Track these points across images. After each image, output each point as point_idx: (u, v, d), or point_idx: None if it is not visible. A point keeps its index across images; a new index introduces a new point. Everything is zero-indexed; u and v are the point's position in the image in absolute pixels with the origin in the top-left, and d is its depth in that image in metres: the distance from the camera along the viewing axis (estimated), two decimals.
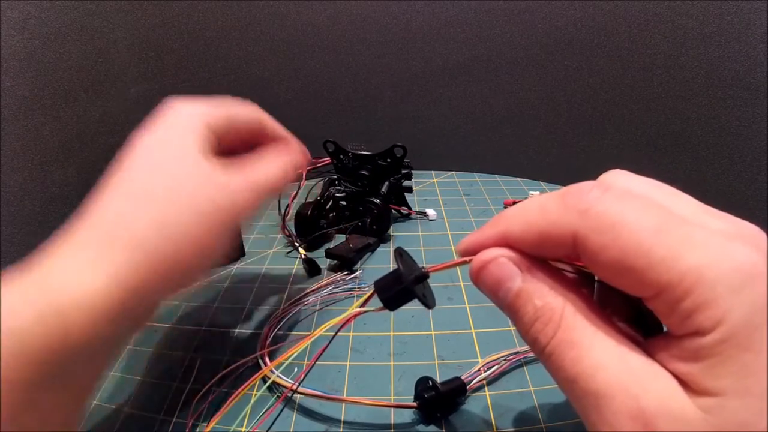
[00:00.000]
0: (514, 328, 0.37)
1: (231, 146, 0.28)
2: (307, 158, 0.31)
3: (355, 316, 0.22)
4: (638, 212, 0.15)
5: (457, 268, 0.19)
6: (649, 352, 0.15)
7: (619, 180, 0.18)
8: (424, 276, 0.20)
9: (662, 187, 0.17)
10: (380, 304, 0.21)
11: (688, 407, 0.14)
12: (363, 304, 0.21)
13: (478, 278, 0.18)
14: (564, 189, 0.16)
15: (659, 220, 0.14)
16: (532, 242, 0.17)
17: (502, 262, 0.17)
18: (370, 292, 0.21)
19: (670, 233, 0.14)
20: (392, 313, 0.38)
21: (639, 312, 0.18)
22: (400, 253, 0.20)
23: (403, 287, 0.19)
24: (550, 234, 0.16)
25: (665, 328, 0.16)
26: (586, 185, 0.16)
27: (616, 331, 0.16)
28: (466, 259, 0.19)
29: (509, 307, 0.17)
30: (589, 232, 0.15)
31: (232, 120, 0.28)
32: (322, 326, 0.26)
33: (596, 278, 0.19)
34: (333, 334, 0.24)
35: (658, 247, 0.14)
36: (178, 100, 0.26)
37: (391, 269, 0.20)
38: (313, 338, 0.28)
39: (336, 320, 0.23)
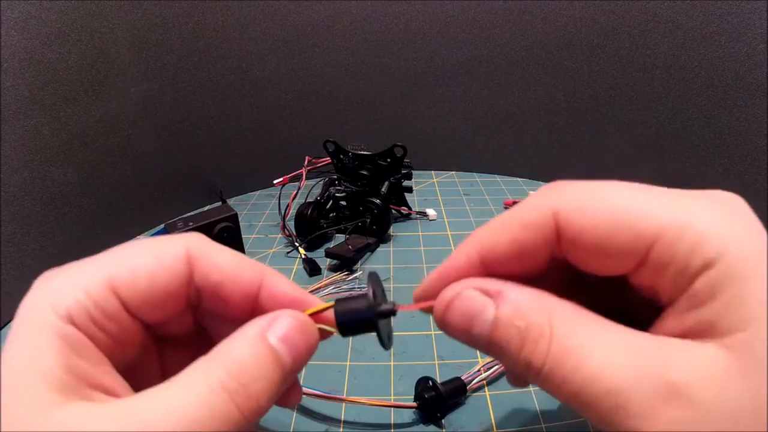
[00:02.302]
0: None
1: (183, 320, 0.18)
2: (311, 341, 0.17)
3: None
4: (613, 183, 0.15)
5: None
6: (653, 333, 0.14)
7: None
8: (391, 312, 0.17)
9: None
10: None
11: (715, 358, 0.13)
12: (316, 313, 0.18)
13: (445, 321, 0.16)
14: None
15: (633, 184, 0.15)
16: (511, 242, 0.16)
17: (467, 294, 0.16)
18: (329, 305, 0.18)
19: (650, 190, 0.15)
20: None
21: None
22: (375, 280, 0.18)
23: (367, 318, 0.17)
24: (531, 220, 0.15)
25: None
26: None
27: (611, 323, 0.15)
28: (433, 302, 0.17)
29: (489, 342, 0.15)
30: (570, 203, 0.15)
31: (134, 289, 0.15)
32: None
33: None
34: None
35: (642, 200, 0.14)
36: (44, 277, 0.15)
37: (364, 291, 0.18)
38: None
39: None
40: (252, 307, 0.17)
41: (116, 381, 0.15)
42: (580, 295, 0.18)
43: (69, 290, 0.15)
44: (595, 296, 0.18)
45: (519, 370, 0.15)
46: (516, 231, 0.16)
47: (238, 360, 0.15)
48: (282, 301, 0.17)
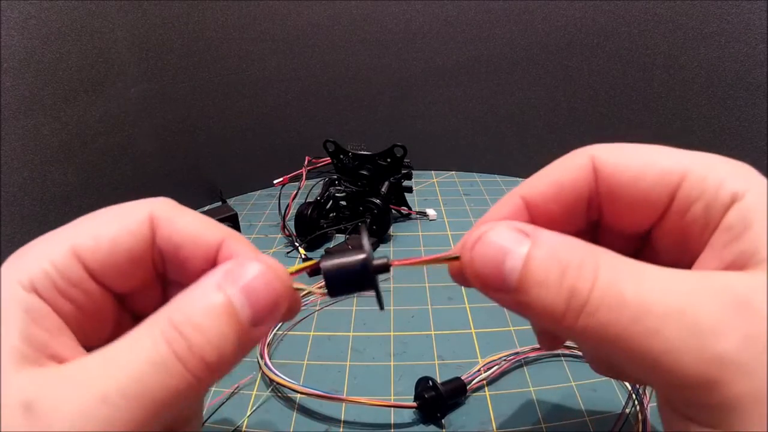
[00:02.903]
0: (515, 328, 0.37)
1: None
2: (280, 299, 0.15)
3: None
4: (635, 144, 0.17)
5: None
6: None
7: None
8: (385, 267, 0.16)
9: None
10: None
11: (765, 281, 0.12)
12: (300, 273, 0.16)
13: (472, 259, 0.14)
14: None
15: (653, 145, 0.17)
16: (553, 182, 0.17)
17: (500, 229, 0.14)
18: (312, 262, 0.16)
19: (671, 148, 0.17)
20: (392, 313, 0.38)
21: None
22: (366, 232, 0.17)
23: (366, 274, 0.15)
24: (572, 162, 0.17)
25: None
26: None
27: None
28: (450, 254, 0.15)
29: (522, 279, 0.14)
30: (608, 149, 0.17)
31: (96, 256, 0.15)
32: None
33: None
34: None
35: (668, 150, 0.16)
36: (14, 255, 0.15)
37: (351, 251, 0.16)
38: None
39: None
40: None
41: (76, 352, 0.15)
42: None
43: (34, 261, 0.15)
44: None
45: (557, 310, 0.13)
46: (557, 172, 0.17)
47: (186, 310, 0.14)
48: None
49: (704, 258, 0.15)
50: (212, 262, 0.17)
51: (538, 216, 0.18)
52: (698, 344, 0.12)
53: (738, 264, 0.13)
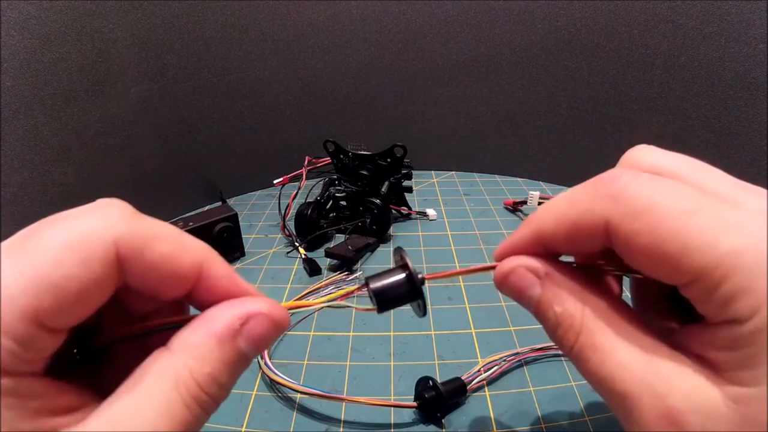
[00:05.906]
0: (515, 328, 0.37)
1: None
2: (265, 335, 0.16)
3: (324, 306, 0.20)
4: (671, 195, 0.14)
5: (457, 266, 0.19)
6: (684, 340, 0.15)
7: (647, 158, 0.17)
8: (423, 280, 0.19)
9: (694, 163, 0.17)
10: (367, 302, 0.19)
11: (717, 401, 0.13)
12: (345, 297, 0.19)
13: (501, 288, 0.19)
14: (596, 177, 0.16)
15: (693, 201, 0.14)
16: (565, 235, 0.17)
17: (520, 272, 0.18)
18: (357, 286, 0.19)
19: (704, 215, 0.13)
20: (392, 313, 0.38)
21: (678, 297, 0.17)
22: (403, 254, 0.19)
23: (414, 288, 0.19)
24: (583, 223, 0.16)
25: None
26: (617, 171, 0.16)
27: (641, 329, 0.16)
28: (488, 265, 0.19)
29: (534, 312, 0.18)
30: (621, 218, 0.15)
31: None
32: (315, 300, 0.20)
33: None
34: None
35: (692, 230, 0.13)
36: None
37: (393, 267, 0.19)
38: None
39: (320, 301, 0.20)
40: (187, 295, 0.16)
41: (63, 390, 0.14)
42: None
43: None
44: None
45: (555, 341, 0.17)
46: (570, 228, 0.17)
47: (212, 372, 0.15)
48: (220, 295, 0.16)
49: (700, 330, 0.15)
50: (187, 290, 0.16)
51: (553, 246, 0.18)
52: (626, 428, 0.15)
53: (711, 363, 0.14)
